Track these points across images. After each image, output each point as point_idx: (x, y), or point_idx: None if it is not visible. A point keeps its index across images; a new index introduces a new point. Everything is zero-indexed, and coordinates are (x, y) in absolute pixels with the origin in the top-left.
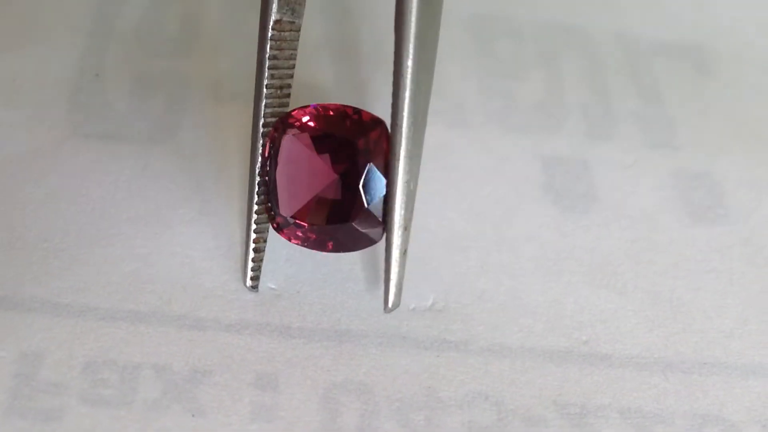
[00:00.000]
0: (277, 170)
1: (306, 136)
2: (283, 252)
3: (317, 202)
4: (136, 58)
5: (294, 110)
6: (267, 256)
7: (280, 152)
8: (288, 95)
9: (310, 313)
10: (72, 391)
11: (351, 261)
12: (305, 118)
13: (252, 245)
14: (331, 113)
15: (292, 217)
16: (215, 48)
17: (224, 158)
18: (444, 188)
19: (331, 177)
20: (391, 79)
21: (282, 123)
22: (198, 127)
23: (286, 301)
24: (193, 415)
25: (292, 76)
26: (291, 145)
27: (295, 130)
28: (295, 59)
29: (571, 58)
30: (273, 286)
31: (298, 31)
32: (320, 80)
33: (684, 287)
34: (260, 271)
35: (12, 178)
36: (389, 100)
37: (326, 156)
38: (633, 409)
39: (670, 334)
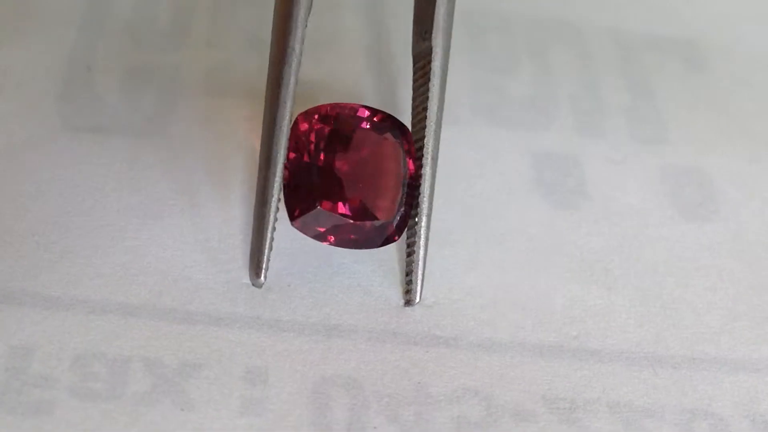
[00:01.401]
0: (321, 166)
1: (347, 135)
2: (274, 244)
3: (357, 200)
4: (128, 51)
5: (325, 106)
6: None
7: (324, 150)
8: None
9: (300, 307)
10: (62, 384)
11: (341, 255)
12: (344, 119)
13: (268, 242)
14: (369, 113)
15: (327, 211)
16: (207, 42)
17: (216, 151)
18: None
19: (374, 175)
20: (385, 73)
21: (317, 119)
22: (189, 121)
23: (276, 294)
24: (182, 409)
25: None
26: (334, 144)
27: (334, 131)
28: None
29: (561, 52)
30: (263, 279)
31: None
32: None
33: (674, 283)
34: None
35: (2, 170)
36: (385, 94)
37: (371, 155)
38: (622, 403)
39: (659, 330)
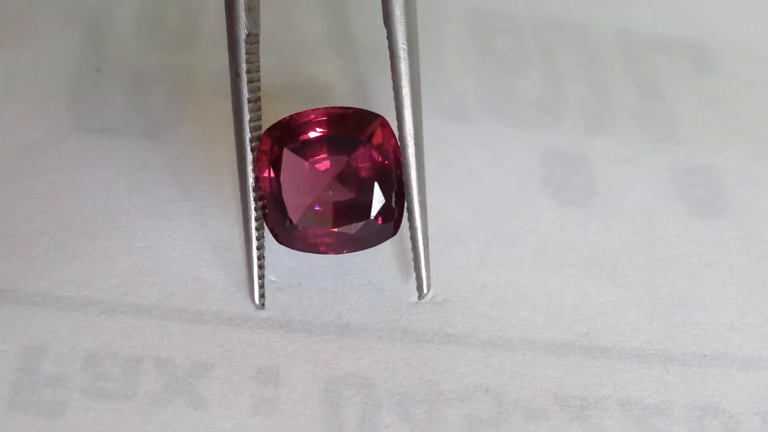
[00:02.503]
0: (284, 180)
1: (309, 141)
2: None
3: (334, 204)
4: (137, 52)
5: (285, 118)
6: (267, 248)
7: (283, 163)
8: (260, 108)
9: (311, 307)
10: (74, 384)
11: (352, 254)
12: (303, 126)
13: (256, 264)
14: (326, 117)
15: (306, 223)
16: (215, 42)
17: (224, 152)
18: (444, 182)
19: (346, 176)
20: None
21: (278, 133)
22: (198, 122)
23: (287, 294)
24: (194, 409)
25: (260, 89)
26: (293, 155)
27: (294, 141)
28: (260, 71)
29: (570, 53)
30: (274, 279)
31: (259, 42)
32: (321, 78)
33: (684, 280)
34: (265, 288)
35: (13, 172)
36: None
37: (337, 157)
38: (633, 401)
39: (669, 327)
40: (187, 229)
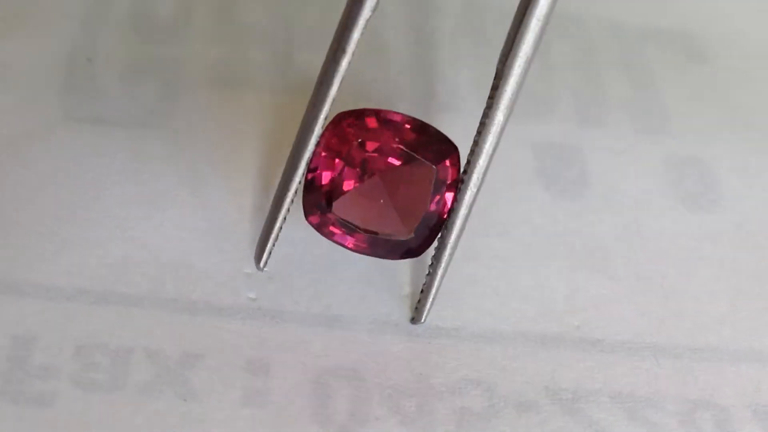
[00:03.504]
0: (346, 169)
1: (385, 146)
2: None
3: (379, 211)
4: (129, 43)
5: (368, 111)
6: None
7: (353, 152)
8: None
9: (302, 298)
10: (64, 374)
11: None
12: (387, 126)
13: (277, 228)
14: (411, 125)
15: (341, 214)
16: (208, 34)
17: (217, 142)
18: None
19: (403, 193)
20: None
21: (357, 122)
22: (191, 113)
23: (278, 285)
24: (184, 399)
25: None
26: (364, 151)
27: (372, 138)
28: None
29: (563, 44)
30: (265, 269)
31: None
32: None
33: (676, 273)
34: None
35: (4, 162)
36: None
37: (404, 171)
38: (624, 393)
39: (661, 320)
40: (178, 220)
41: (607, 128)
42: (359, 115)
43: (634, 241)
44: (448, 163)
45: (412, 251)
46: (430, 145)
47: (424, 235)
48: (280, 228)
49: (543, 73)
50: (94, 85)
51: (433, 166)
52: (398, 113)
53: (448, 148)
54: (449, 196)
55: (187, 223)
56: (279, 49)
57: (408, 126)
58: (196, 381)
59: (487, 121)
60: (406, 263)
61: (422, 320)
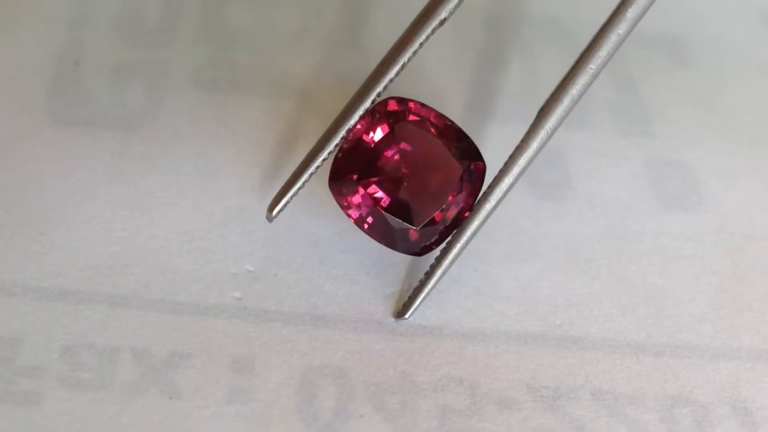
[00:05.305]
0: (380, 147)
1: (457, 151)
2: (261, 234)
3: (399, 196)
4: (116, 46)
5: (417, 104)
6: (245, 237)
7: (395, 133)
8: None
9: (287, 297)
10: (51, 374)
11: (329, 245)
12: (429, 118)
13: (299, 186)
14: (449, 125)
15: (364, 188)
16: (194, 37)
17: (202, 144)
18: None
19: (427, 186)
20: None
21: (404, 109)
22: (176, 114)
23: (264, 284)
24: (170, 398)
25: None
26: (408, 149)
27: (416, 127)
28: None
29: (547, 48)
30: (251, 269)
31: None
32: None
33: (657, 273)
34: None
35: None
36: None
37: (435, 166)
38: (605, 390)
39: (642, 318)
40: (164, 220)
41: (590, 130)
42: (405, 102)
43: (616, 241)
44: (473, 168)
45: (417, 249)
46: (462, 150)
47: (433, 236)
48: (303, 185)
49: (527, 77)
50: (81, 87)
51: (461, 166)
52: (443, 115)
53: (477, 159)
54: (466, 203)
55: (173, 224)
56: (264, 52)
57: (448, 123)
58: (182, 380)
59: (523, 145)
60: (390, 263)
61: (406, 316)
